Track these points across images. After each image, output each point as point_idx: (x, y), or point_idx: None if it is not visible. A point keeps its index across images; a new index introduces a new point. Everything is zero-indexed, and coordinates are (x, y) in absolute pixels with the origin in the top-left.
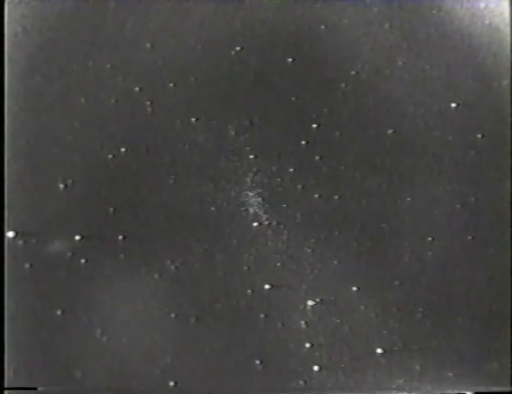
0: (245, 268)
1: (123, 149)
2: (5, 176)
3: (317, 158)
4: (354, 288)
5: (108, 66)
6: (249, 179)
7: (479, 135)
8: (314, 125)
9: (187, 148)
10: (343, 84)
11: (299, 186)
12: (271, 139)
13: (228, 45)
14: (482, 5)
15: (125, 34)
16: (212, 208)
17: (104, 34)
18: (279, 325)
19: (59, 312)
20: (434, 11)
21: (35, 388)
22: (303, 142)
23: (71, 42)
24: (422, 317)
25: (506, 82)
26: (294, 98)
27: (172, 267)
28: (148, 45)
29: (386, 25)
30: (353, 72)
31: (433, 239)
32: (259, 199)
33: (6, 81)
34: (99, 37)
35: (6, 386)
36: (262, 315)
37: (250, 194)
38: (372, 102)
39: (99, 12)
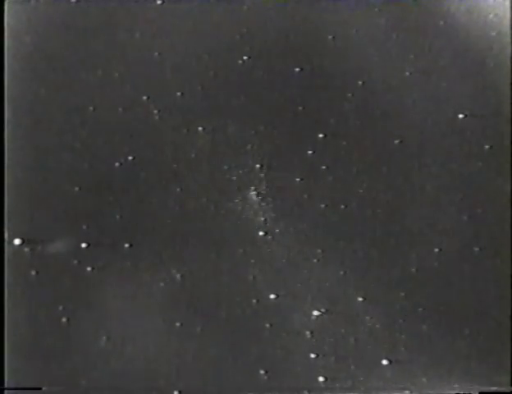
0: (251, 277)
1: (130, 157)
2: (5, 182)
3: (323, 167)
4: (360, 298)
5: (116, 74)
6: (255, 188)
7: (487, 146)
8: (321, 135)
9: (194, 157)
10: (350, 94)
11: (306, 196)
12: (277, 148)
13: (236, 54)
14: (491, 16)
15: (133, 43)
16: (218, 217)
17: (113, 44)
18: (284, 335)
19: (64, 319)
20: (441, 22)
21: (36, 388)
22: (309, 151)
23: (80, 50)
24: (429, 328)
25: None
26: (301, 108)
27: (178, 275)
28: (156, 54)
29: (394, 36)
30: (360, 82)
31: (440, 250)
32: (265, 208)
33: (12, 87)
34: (108, 46)
35: (6, 386)
36: (267, 325)
37: (256, 203)
38: (379, 112)
39: (108, 22)
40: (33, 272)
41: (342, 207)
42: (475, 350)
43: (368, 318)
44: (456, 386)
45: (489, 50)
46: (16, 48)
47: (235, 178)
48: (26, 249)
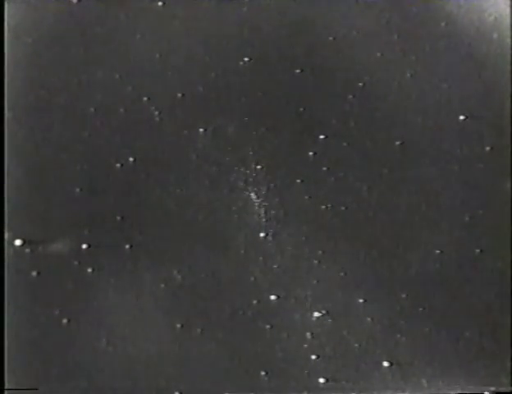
0: (251, 278)
1: (131, 159)
2: (5, 182)
3: (324, 169)
4: (361, 300)
5: (117, 75)
6: (255, 189)
7: (488, 148)
8: (322, 136)
9: (194, 158)
10: (351, 96)
11: (306, 197)
12: (278, 149)
13: (236, 56)
14: (492, 18)
15: (134, 44)
16: (219, 218)
17: (114, 45)
18: (284, 336)
19: (65, 321)
20: (443, 24)
21: (35, 388)
22: (310, 153)
23: (81, 51)
24: (429, 330)
25: None
26: (301, 109)
27: (178, 276)
28: (157, 55)
29: (395, 37)
30: (360, 84)
31: (441, 252)
32: (266, 209)
33: (13, 87)
34: (109, 47)
35: (6, 387)
36: (267, 326)
37: (257, 204)
38: (380, 113)
39: (109, 22)
40: (34, 273)
41: (343, 208)
42: (475, 350)
43: (368, 319)
44: (456, 386)
45: (490, 51)
46: (16, 48)
47: (235, 179)
48: (27, 250)
